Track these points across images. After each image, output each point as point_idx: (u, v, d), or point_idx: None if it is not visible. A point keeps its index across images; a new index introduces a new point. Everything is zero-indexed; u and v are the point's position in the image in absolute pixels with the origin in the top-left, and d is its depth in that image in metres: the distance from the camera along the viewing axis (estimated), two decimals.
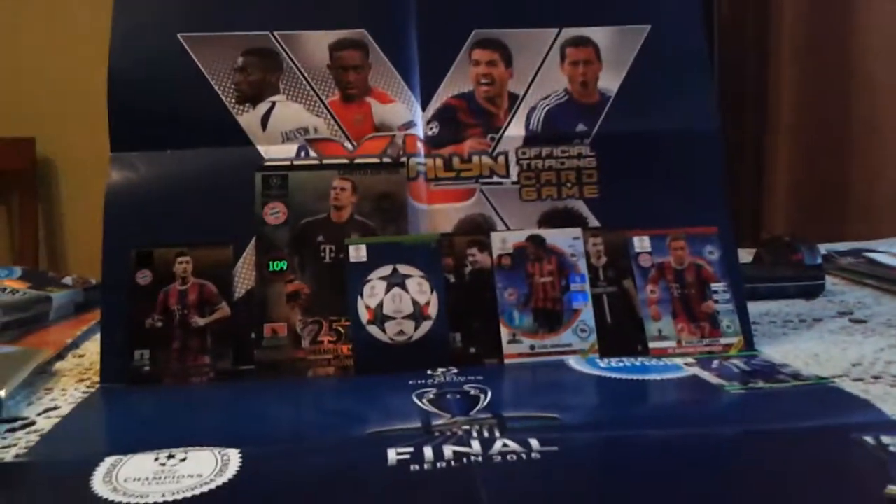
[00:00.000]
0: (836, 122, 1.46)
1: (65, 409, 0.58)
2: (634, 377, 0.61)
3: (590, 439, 0.50)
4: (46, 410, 0.58)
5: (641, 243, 0.70)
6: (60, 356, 0.71)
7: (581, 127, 0.74)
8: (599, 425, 0.53)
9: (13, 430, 0.53)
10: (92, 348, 0.73)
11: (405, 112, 0.73)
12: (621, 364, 0.64)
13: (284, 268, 0.68)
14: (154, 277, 0.66)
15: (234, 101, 0.71)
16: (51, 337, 0.77)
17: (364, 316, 0.66)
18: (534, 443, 0.47)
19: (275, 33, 0.73)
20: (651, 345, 0.67)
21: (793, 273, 0.92)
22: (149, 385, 0.63)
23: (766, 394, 0.58)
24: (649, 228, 0.70)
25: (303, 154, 0.72)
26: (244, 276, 0.68)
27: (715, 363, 0.64)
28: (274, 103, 0.72)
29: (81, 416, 0.57)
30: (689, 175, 0.72)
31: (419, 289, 0.67)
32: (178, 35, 0.71)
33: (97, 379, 0.64)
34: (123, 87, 0.70)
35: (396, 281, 0.67)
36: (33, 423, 0.55)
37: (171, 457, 0.47)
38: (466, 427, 0.51)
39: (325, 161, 0.72)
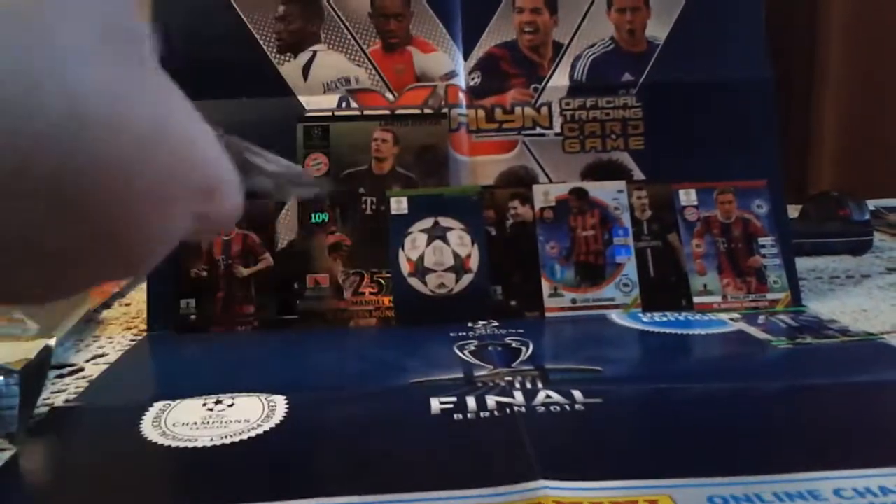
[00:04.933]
0: (886, 77, 1.41)
1: (112, 356, 0.59)
2: (678, 332, 0.61)
3: (633, 392, 0.50)
4: (94, 357, 0.59)
5: (688, 196, 0.68)
6: (107, 304, 0.72)
7: (627, 76, 0.72)
8: (643, 378, 0.53)
9: (62, 377, 0.55)
10: (138, 297, 0.74)
11: (447, 62, 0.72)
12: (665, 319, 0.64)
13: (326, 219, 0.68)
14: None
15: (275, 50, 0.71)
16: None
17: (405, 268, 0.66)
18: (577, 394, 0.47)
19: None
20: (696, 300, 0.66)
21: (840, 228, 0.90)
22: (194, 333, 0.64)
23: (813, 349, 0.57)
24: (696, 181, 0.69)
25: (344, 105, 0.71)
26: (286, 227, 0.68)
27: (761, 318, 0.63)
28: (315, 53, 0.71)
29: (129, 363, 0.58)
30: (738, 126, 0.70)
31: (460, 241, 0.67)
32: None
33: (143, 327, 0.65)
34: (165, 37, 0.69)
35: (438, 233, 0.67)
36: (82, 369, 0.56)
37: (218, 402, 0.48)
38: (509, 378, 0.51)
39: (366, 112, 0.71)
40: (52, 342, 0.52)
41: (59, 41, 0.19)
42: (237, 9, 0.71)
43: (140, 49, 0.22)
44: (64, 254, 0.21)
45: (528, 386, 0.49)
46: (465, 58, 0.72)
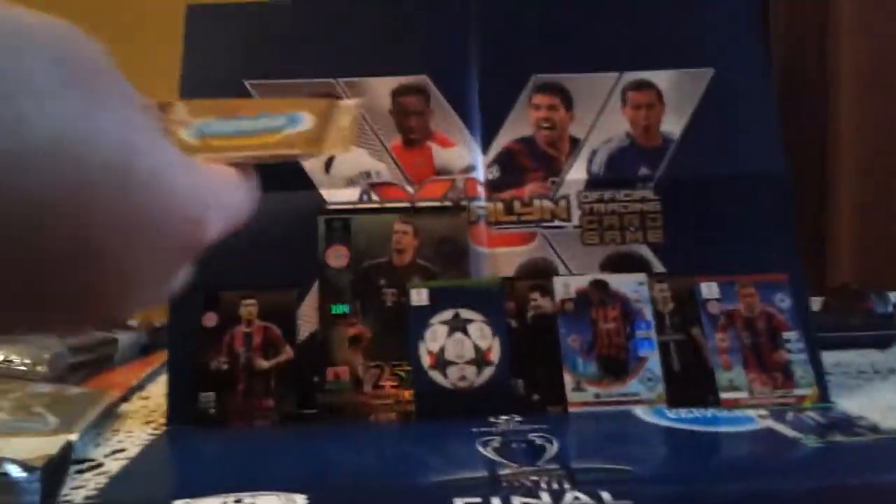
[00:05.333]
0: None
1: (132, 451, 0.58)
2: (706, 429, 0.60)
3: (664, 492, 0.48)
4: (114, 452, 0.58)
5: (710, 290, 0.68)
6: (126, 398, 0.72)
7: (644, 171, 0.73)
8: (673, 478, 0.52)
9: (82, 472, 0.54)
10: (157, 390, 0.74)
11: (466, 156, 0.73)
12: (691, 415, 0.63)
13: (347, 311, 0.68)
14: (220, 320, 0.67)
15: None
16: (117, 378, 0.78)
17: (426, 360, 0.66)
18: (606, 495, 0.46)
19: (339, 79, 0.74)
20: (722, 395, 0.65)
21: (864, 322, 0.89)
22: (214, 427, 0.63)
23: (844, 447, 0.55)
24: (717, 275, 0.69)
25: (365, 198, 0.72)
26: (307, 319, 0.68)
27: (789, 415, 0.62)
28: None
29: (149, 459, 0.57)
30: (757, 220, 0.71)
31: (481, 333, 0.67)
32: (245, 81, 0.73)
33: (163, 421, 0.65)
34: None
35: (458, 325, 0.67)
36: (101, 464, 0.56)
37: (238, 501, 0.47)
38: (535, 478, 0.49)
39: (386, 205, 0.72)
40: (74, 437, 0.51)
41: (12, 78, 0.19)
42: None
43: (104, 90, 0.22)
44: (29, 287, 0.21)
45: (555, 486, 0.48)
46: (484, 152, 0.74)
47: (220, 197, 0.27)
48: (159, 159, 0.23)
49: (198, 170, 0.26)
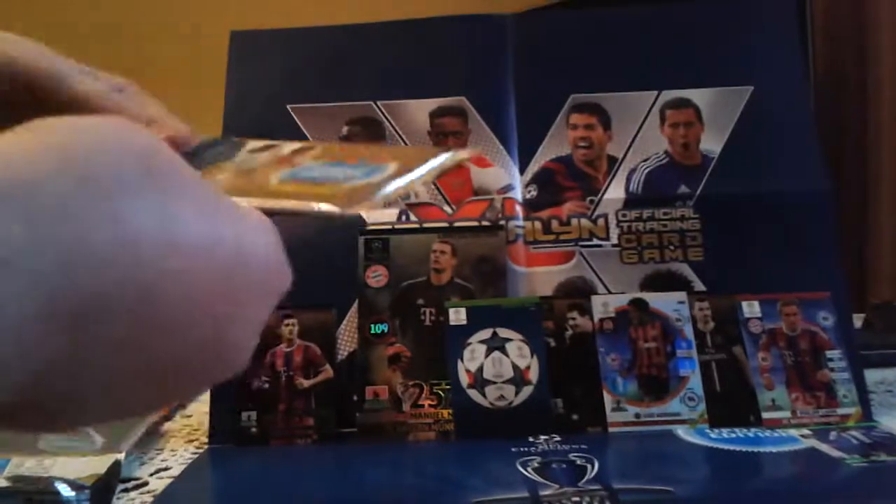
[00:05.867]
0: None
1: (176, 470, 0.59)
2: (748, 449, 0.59)
3: None
4: (158, 471, 0.59)
5: (751, 308, 0.67)
6: (169, 417, 0.73)
7: (683, 189, 0.73)
8: (716, 499, 0.51)
9: (127, 490, 0.55)
10: (199, 409, 0.75)
11: (504, 176, 0.74)
12: (733, 435, 0.62)
13: (386, 330, 0.68)
14: (261, 339, 0.67)
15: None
16: None
17: (464, 380, 0.66)
18: None
19: (378, 102, 0.75)
20: (764, 415, 0.64)
21: None
22: (256, 446, 0.64)
23: (889, 467, 0.54)
24: (758, 293, 0.68)
25: (403, 218, 0.73)
26: (347, 339, 0.69)
27: (833, 435, 0.61)
28: None
29: (193, 477, 0.58)
30: (799, 237, 0.70)
31: (519, 353, 0.67)
32: (287, 105, 0.74)
33: (205, 439, 0.66)
34: None
35: (496, 344, 0.67)
36: (146, 483, 0.57)
37: None
38: (576, 499, 0.49)
39: (425, 225, 0.73)
40: (121, 457, 0.52)
41: (96, 185, 0.21)
42: (303, 129, 0.74)
43: (180, 175, 0.23)
44: (146, 371, 0.23)
45: None
46: (521, 172, 0.74)
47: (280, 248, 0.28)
48: (239, 224, 0.25)
49: (269, 227, 0.27)
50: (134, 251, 0.21)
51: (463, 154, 0.29)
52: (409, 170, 0.27)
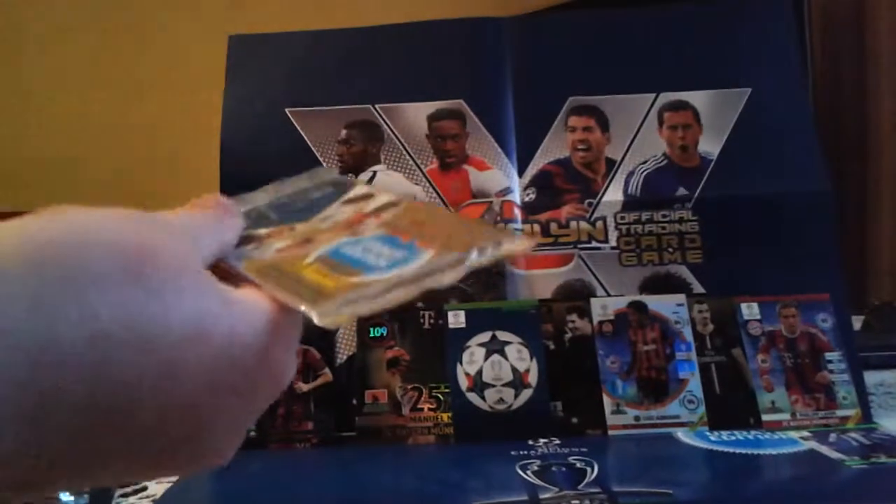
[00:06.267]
0: None
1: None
2: (748, 451, 0.59)
3: None
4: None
5: (750, 310, 0.67)
6: None
7: (682, 191, 0.73)
8: (716, 502, 0.51)
9: (126, 495, 0.55)
10: None
11: (502, 179, 0.74)
12: (733, 438, 0.62)
13: (384, 334, 0.68)
14: None
15: (337, 171, 0.73)
16: None
17: (464, 383, 0.66)
18: None
19: (376, 106, 0.75)
20: (764, 417, 0.64)
21: None
22: (255, 450, 0.64)
23: (889, 469, 0.54)
24: (757, 295, 0.68)
25: None
26: (346, 342, 0.69)
27: (832, 437, 0.61)
28: (375, 173, 0.74)
29: (192, 482, 0.58)
30: (798, 239, 0.70)
31: (518, 356, 0.67)
32: (286, 109, 0.74)
33: None
34: (233, 158, 0.73)
35: (496, 347, 0.67)
36: (145, 487, 0.56)
37: None
38: (576, 502, 0.49)
39: None
40: None
41: (73, 280, 0.21)
42: (301, 132, 0.74)
43: (170, 273, 0.23)
44: (115, 458, 0.23)
45: None
46: (520, 175, 0.74)
47: (292, 342, 0.28)
48: (233, 319, 0.24)
49: (270, 320, 0.26)
50: (105, 346, 0.21)
51: (519, 245, 0.29)
52: (443, 261, 0.27)
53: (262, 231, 0.32)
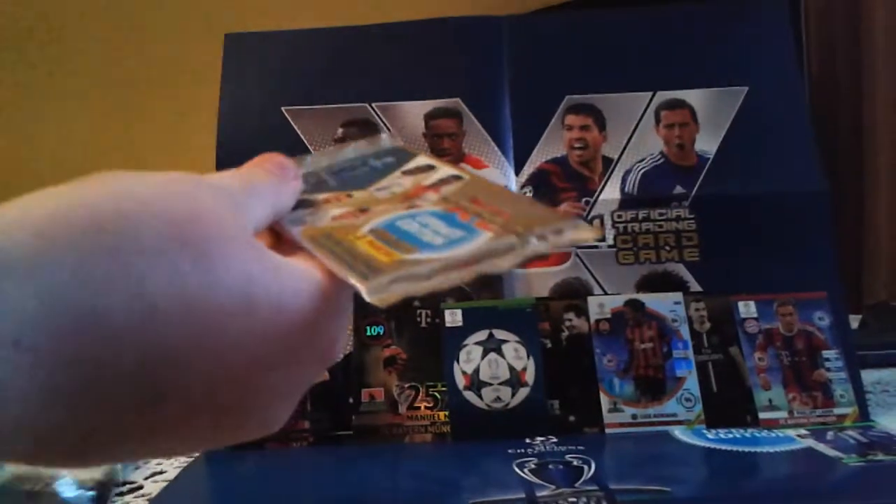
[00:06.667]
0: None
1: (171, 474, 0.59)
2: (745, 449, 0.59)
3: None
4: (153, 475, 0.59)
5: (747, 309, 0.67)
6: None
7: (679, 189, 0.73)
8: (713, 499, 0.51)
9: (122, 494, 0.55)
10: None
11: (499, 177, 0.74)
12: (730, 436, 0.62)
13: (381, 332, 0.68)
14: None
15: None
16: None
17: (460, 381, 0.66)
18: None
19: (372, 104, 0.75)
20: (761, 415, 0.64)
21: None
22: (251, 449, 0.64)
23: (886, 466, 0.54)
24: (754, 293, 0.68)
25: None
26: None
27: (830, 434, 0.61)
28: None
29: (187, 481, 0.58)
30: (795, 237, 0.70)
31: (516, 354, 0.67)
32: (282, 108, 0.74)
33: None
34: (229, 156, 0.73)
35: (493, 346, 0.67)
36: (141, 486, 0.56)
37: None
38: (573, 499, 0.49)
39: None
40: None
41: (118, 249, 0.21)
42: (297, 131, 0.74)
43: (219, 242, 0.23)
44: (154, 433, 0.22)
45: None
46: (517, 173, 0.74)
47: (343, 314, 0.27)
48: (283, 289, 0.24)
49: (321, 290, 0.26)
50: (152, 316, 0.20)
51: (582, 233, 0.28)
52: (501, 245, 0.26)
53: (320, 196, 0.31)
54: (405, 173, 0.33)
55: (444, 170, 0.32)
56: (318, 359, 0.26)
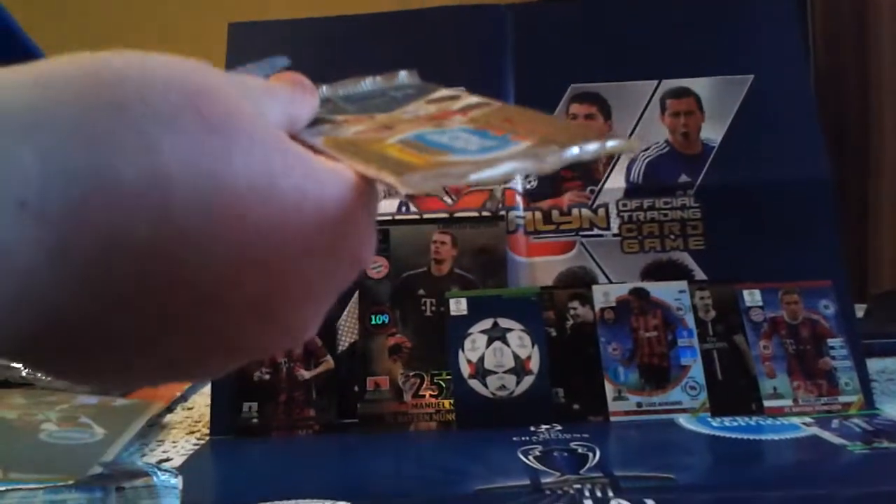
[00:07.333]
0: None
1: (177, 461, 0.59)
2: (751, 437, 0.59)
3: (708, 500, 0.48)
4: (159, 462, 0.59)
5: (752, 297, 0.67)
6: (170, 409, 0.73)
7: (684, 178, 0.72)
8: (718, 486, 0.51)
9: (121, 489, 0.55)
10: (200, 401, 0.75)
11: None
12: (735, 423, 0.62)
13: (386, 321, 0.68)
14: None
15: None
16: (160, 390, 0.79)
17: (465, 370, 0.66)
18: (650, 503, 0.46)
19: None
20: (766, 403, 0.64)
21: None
22: (257, 437, 0.64)
23: (891, 453, 0.54)
24: (759, 282, 0.68)
25: (403, 209, 0.73)
26: (347, 329, 0.69)
27: (835, 422, 0.61)
28: None
29: (194, 468, 0.58)
30: (800, 226, 0.70)
31: (520, 343, 0.67)
32: None
33: (206, 431, 0.65)
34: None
35: (497, 335, 0.67)
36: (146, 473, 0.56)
37: None
38: (578, 486, 0.49)
39: (425, 215, 0.73)
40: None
41: (131, 114, 0.19)
42: None
43: (237, 118, 0.21)
44: (171, 331, 0.20)
45: (599, 494, 0.48)
46: None
47: (372, 214, 0.25)
48: (305, 176, 0.22)
49: (351, 184, 0.24)
50: (166, 185, 0.19)
51: (626, 144, 0.26)
52: (539, 152, 0.25)
53: (339, 117, 0.29)
54: (429, 102, 0.31)
55: (472, 98, 0.31)
56: (348, 258, 0.24)
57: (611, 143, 0.25)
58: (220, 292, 0.20)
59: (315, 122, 0.28)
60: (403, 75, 0.34)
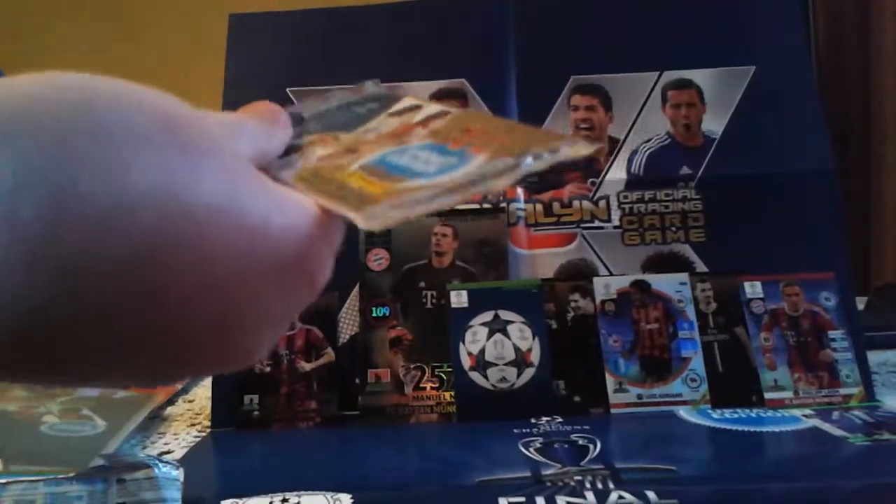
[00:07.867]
0: None
1: (178, 453, 0.59)
2: (751, 429, 0.59)
3: (710, 492, 0.48)
4: (161, 454, 0.59)
5: (753, 289, 0.67)
6: (171, 401, 0.73)
7: (685, 170, 0.72)
8: (719, 478, 0.51)
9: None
10: (201, 393, 0.75)
11: None
12: (736, 415, 0.62)
13: (387, 313, 0.68)
14: None
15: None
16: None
17: (466, 362, 0.66)
18: (651, 495, 0.46)
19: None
20: (767, 395, 0.64)
21: None
22: (258, 429, 0.64)
23: (892, 446, 0.54)
24: (760, 274, 0.68)
25: None
26: (348, 322, 0.69)
27: (835, 414, 0.61)
28: None
29: (195, 460, 0.58)
30: (801, 218, 0.70)
31: (521, 335, 0.67)
32: (286, 89, 0.74)
33: (207, 423, 0.66)
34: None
35: (498, 327, 0.67)
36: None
37: (285, 500, 0.47)
38: (578, 477, 0.49)
39: None
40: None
41: (105, 133, 0.19)
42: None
43: (205, 143, 0.22)
44: (138, 338, 0.21)
45: (599, 486, 0.48)
46: None
47: (333, 245, 0.26)
48: (270, 204, 0.23)
49: (312, 215, 0.25)
50: (134, 204, 0.19)
51: (579, 149, 0.27)
52: (497, 166, 0.25)
53: (305, 139, 0.30)
54: (391, 115, 0.32)
55: (432, 107, 0.32)
56: (304, 285, 0.25)
57: (565, 150, 0.25)
58: (182, 310, 0.21)
59: (285, 151, 0.29)
60: (370, 85, 0.35)
